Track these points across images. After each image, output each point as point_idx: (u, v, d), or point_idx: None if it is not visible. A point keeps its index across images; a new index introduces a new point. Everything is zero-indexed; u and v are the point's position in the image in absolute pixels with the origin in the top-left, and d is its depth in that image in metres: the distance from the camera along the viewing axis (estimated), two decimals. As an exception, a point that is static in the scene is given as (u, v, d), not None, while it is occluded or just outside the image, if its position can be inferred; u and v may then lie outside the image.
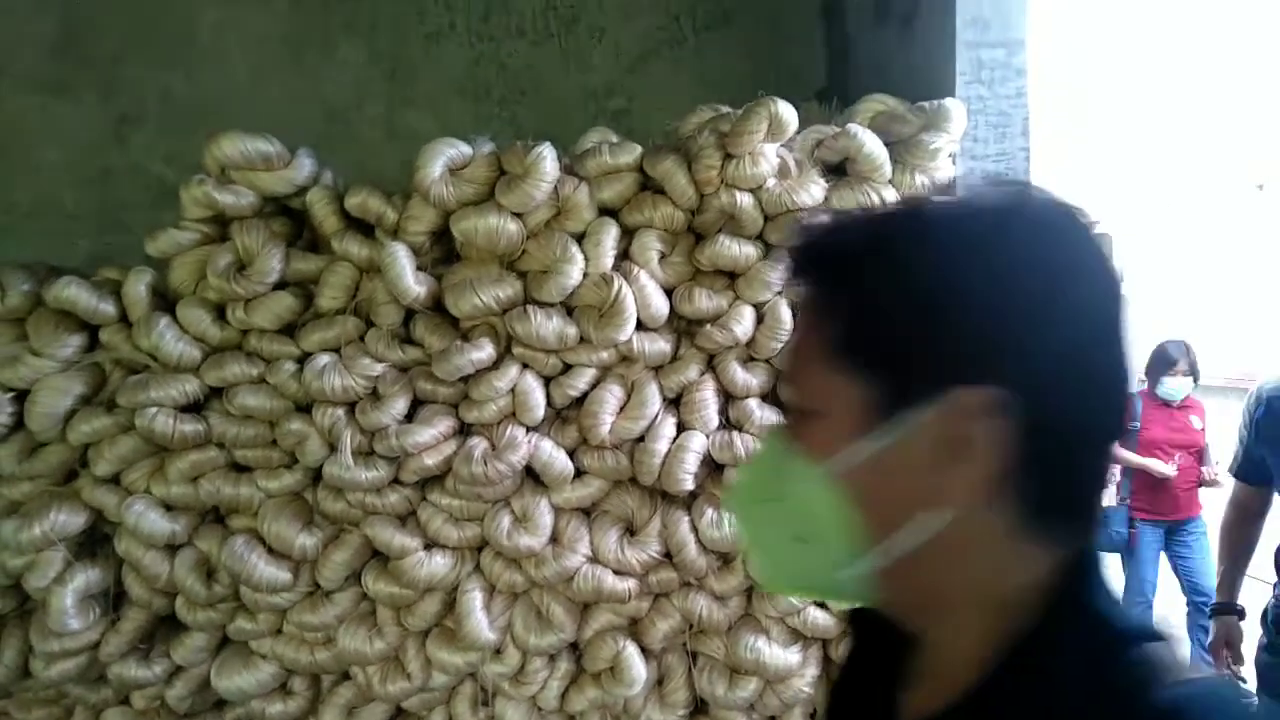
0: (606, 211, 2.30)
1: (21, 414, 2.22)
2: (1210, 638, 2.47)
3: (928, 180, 2.30)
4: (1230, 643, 2.40)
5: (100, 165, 3.41)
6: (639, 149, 2.29)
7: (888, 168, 2.27)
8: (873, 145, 2.25)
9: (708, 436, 2.26)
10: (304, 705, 2.36)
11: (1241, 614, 2.41)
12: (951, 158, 2.36)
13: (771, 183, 2.25)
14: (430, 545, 2.26)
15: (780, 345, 2.25)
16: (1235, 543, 2.44)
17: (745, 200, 2.23)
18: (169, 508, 2.25)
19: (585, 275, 2.21)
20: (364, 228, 2.34)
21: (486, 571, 2.27)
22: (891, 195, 2.27)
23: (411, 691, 2.29)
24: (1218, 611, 2.45)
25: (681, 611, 2.27)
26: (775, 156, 2.25)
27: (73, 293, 2.22)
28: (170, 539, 2.24)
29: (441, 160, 2.21)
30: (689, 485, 2.22)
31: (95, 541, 2.29)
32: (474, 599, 2.24)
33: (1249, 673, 2.50)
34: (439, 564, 2.24)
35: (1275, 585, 2.23)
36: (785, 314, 2.24)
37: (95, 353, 2.30)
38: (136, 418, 2.19)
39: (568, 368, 2.28)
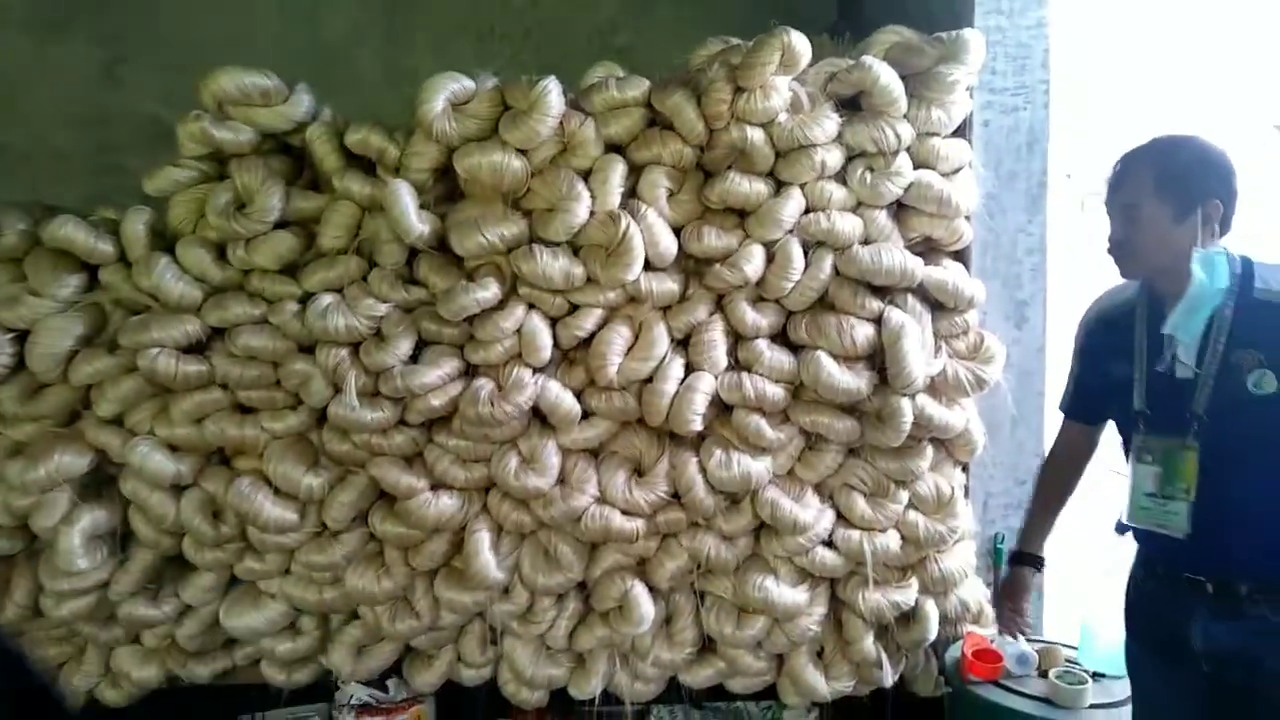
0: (613, 148, 2.25)
1: (22, 355, 2.19)
2: (1004, 587, 2.15)
3: (944, 115, 2.24)
4: (1015, 594, 2.09)
5: (94, 106, 3.34)
6: (646, 83, 2.23)
7: (903, 102, 2.21)
8: (888, 78, 2.18)
9: (716, 377, 2.23)
10: (313, 643, 2.37)
11: (1039, 565, 2.08)
12: (969, 91, 2.30)
13: (783, 117, 2.19)
14: (437, 486, 2.25)
15: (791, 285, 2.21)
16: (1053, 486, 2.06)
17: (756, 135, 2.18)
18: (173, 449, 2.24)
19: (592, 213, 2.17)
20: (365, 165, 2.29)
21: (494, 512, 2.26)
22: (907, 130, 2.21)
23: (420, 630, 2.30)
24: (1016, 560, 2.10)
25: (689, 551, 2.27)
26: (787, 90, 2.19)
27: (70, 231, 2.19)
28: (176, 480, 2.23)
29: (444, 94, 2.16)
30: (697, 426, 2.20)
31: (100, 483, 2.29)
32: (482, 539, 2.24)
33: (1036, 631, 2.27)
34: (446, 504, 2.23)
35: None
36: (796, 253, 2.20)
37: (95, 293, 2.27)
38: (139, 358, 2.16)
39: (574, 308, 2.25)
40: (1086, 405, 1.99)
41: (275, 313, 2.20)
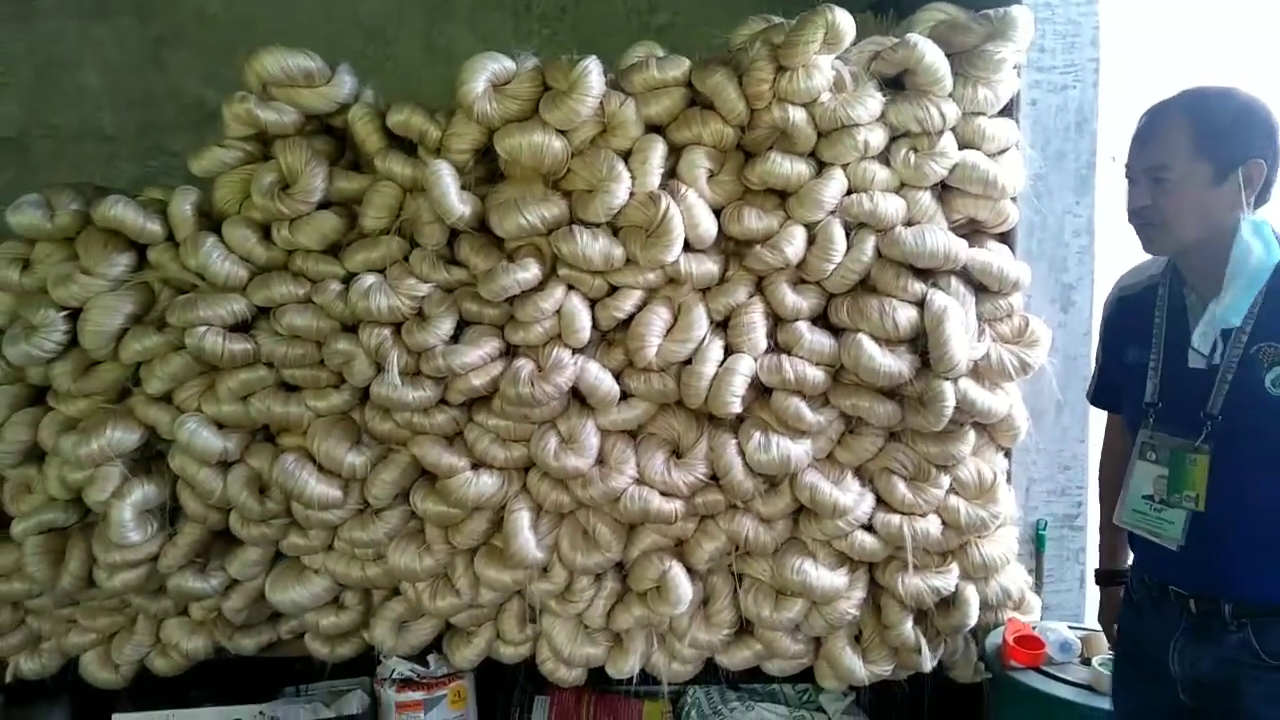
0: (653, 128, 2.24)
1: (75, 333, 2.24)
2: (1100, 611, 1.95)
3: (991, 94, 2.20)
4: (1112, 616, 1.87)
5: (140, 88, 3.38)
6: (687, 62, 2.21)
7: (949, 80, 2.17)
8: (934, 56, 2.15)
9: (755, 359, 2.22)
10: (356, 618, 2.41)
11: (1118, 577, 1.87)
12: (1016, 69, 2.26)
13: (826, 97, 2.16)
14: (477, 465, 2.27)
15: (832, 266, 2.19)
16: (1114, 488, 1.77)
17: (798, 115, 2.15)
18: (220, 425, 2.28)
19: (632, 194, 2.16)
20: (406, 146, 2.30)
21: (533, 491, 2.28)
22: (952, 110, 2.18)
23: (460, 607, 2.33)
24: (1102, 580, 1.91)
25: (727, 533, 2.27)
26: (830, 69, 2.16)
27: (120, 211, 2.22)
28: (222, 456, 2.27)
29: (485, 75, 2.16)
30: (736, 408, 2.20)
31: (150, 458, 2.34)
32: (521, 518, 2.26)
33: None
34: (486, 483, 2.25)
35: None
36: (838, 234, 2.18)
37: (144, 272, 2.31)
38: (186, 336, 2.20)
39: (614, 289, 2.25)
40: (1114, 394, 1.81)
41: (319, 292, 2.23)
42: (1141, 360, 1.59)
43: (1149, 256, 1.65)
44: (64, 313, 2.24)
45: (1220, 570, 1.48)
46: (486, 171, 2.30)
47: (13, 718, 2.56)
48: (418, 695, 2.43)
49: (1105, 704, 1.97)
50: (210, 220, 2.31)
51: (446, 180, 2.14)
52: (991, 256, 2.24)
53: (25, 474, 2.33)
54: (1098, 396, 1.92)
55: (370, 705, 2.44)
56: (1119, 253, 2.36)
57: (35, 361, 2.25)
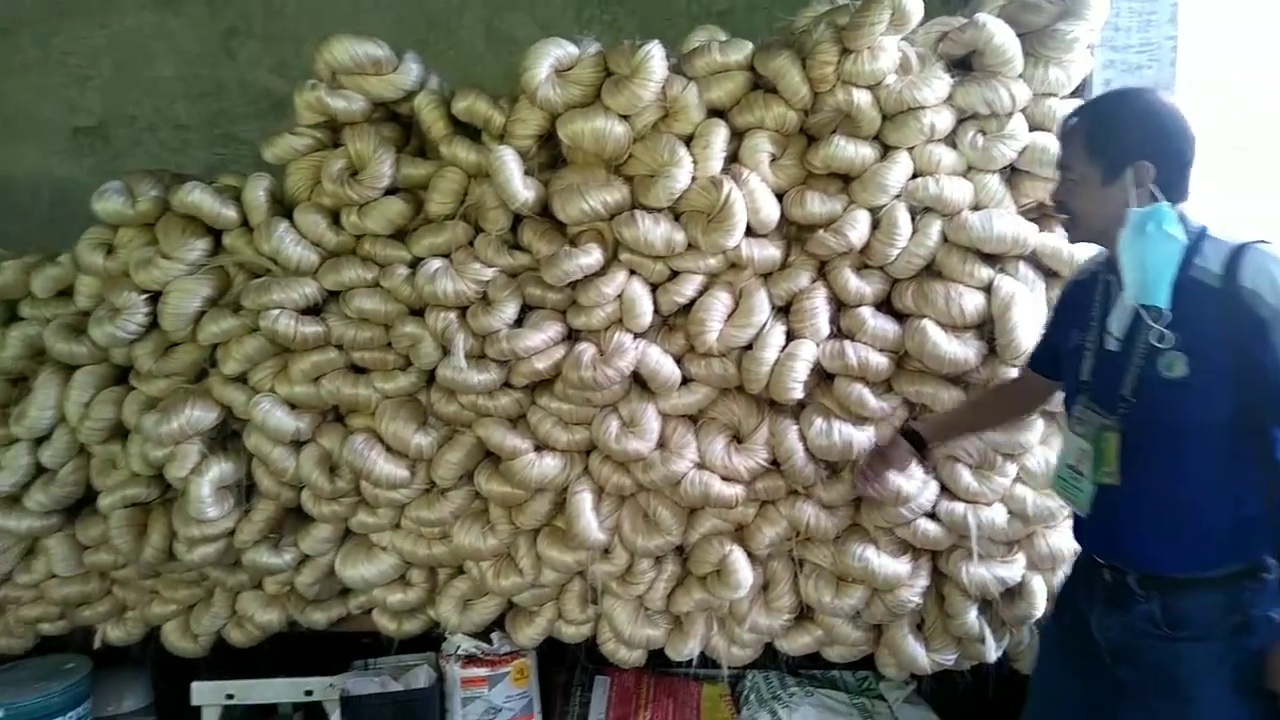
0: (715, 113, 2.24)
1: (155, 315, 2.32)
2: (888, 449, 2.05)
3: (1063, 74, 2.15)
4: (882, 455, 2.01)
5: (211, 78, 3.48)
6: (750, 46, 2.20)
7: (1019, 61, 2.13)
8: (1003, 36, 2.11)
9: (818, 345, 2.22)
10: (422, 595, 2.47)
11: (920, 447, 1.97)
12: (1090, 49, 2.20)
13: (891, 79, 2.14)
14: (540, 447, 2.31)
15: (897, 251, 2.17)
16: (981, 402, 1.99)
17: (863, 98, 2.13)
18: (293, 406, 2.35)
19: (693, 179, 2.17)
20: (471, 132, 2.33)
21: (595, 474, 2.31)
22: (1022, 91, 2.13)
23: (523, 587, 2.37)
24: (903, 431, 2.03)
25: (788, 519, 2.27)
26: (896, 51, 2.14)
27: (197, 197, 2.30)
28: (295, 436, 2.35)
29: (548, 61, 2.18)
30: (798, 394, 2.19)
31: (226, 437, 2.42)
32: (584, 500, 2.29)
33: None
34: (549, 465, 2.28)
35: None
36: (902, 219, 2.16)
37: (219, 256, 2.38)
38: (260, 319, 2.27)
39: (675, 274, 2.26)
40: (1044, 362, 1.90)
41: (386, 277, 2.28)
42: (1080, 341, 1.67)
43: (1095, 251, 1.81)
44: (145, 296, 2.33)
45: (1122, 542, 1.57)
46: (549, 157, 2.33)
47: (100, 682, 2.68)
48: (482, 672, 2.48)
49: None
50: (282, 206, 2.37)
51: (510, 166, 2.17)
52: (1062, 241, 2.19)
53: (110, 450, 2.43)
54: (1034, 358, 1.97)
55: (436, 680, 2.50)
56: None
57: (119, 343, 2.34)
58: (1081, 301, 1.71)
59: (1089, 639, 1.64)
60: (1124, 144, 1.52)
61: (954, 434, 2.04)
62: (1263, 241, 1.48)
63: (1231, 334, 1.42)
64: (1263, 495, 1.46)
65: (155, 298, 2.33)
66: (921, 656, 2.30)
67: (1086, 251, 2.16)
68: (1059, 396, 1.91)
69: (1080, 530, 1.72)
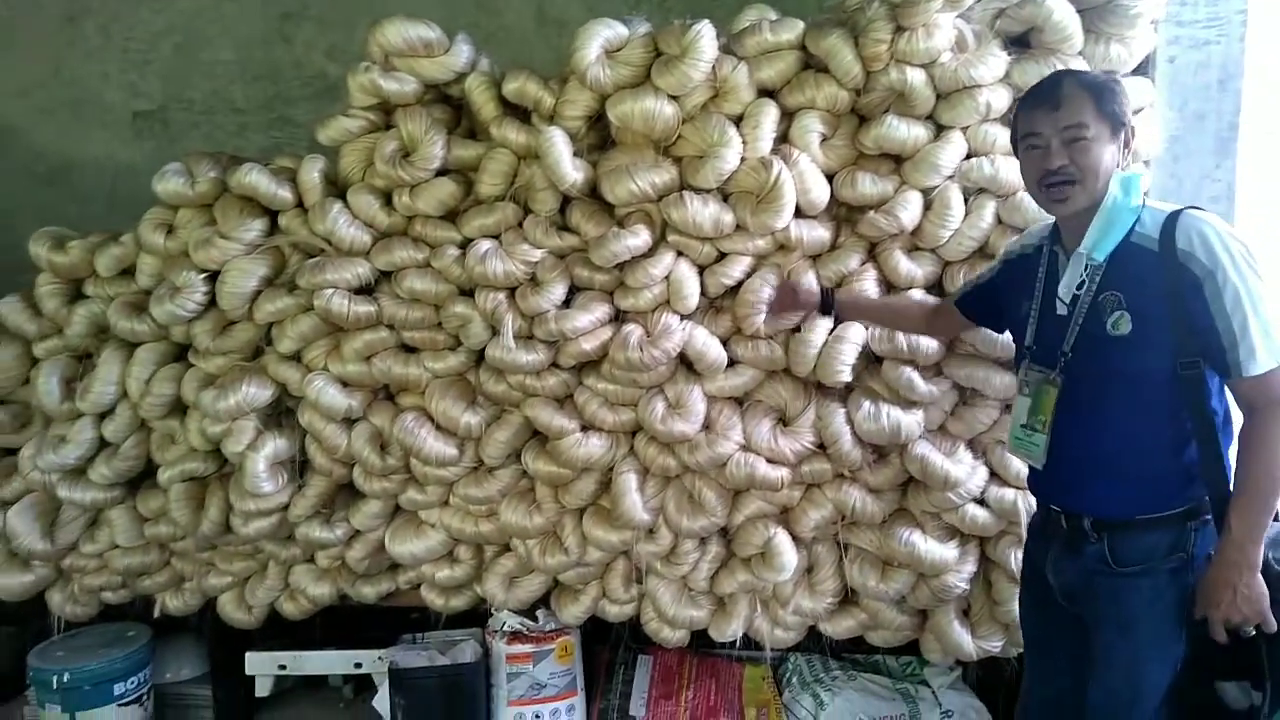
0: (766, 92, 2.22)
1: (213, 294, 2.38)
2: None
3: (1125, 51, 2.09)
4: (792, 290, 2.11)
5: (267, 61, 3.53)
6: (801, 25, 2.18)
7: (1079, 37, 2.08)
8: (1062, 12, 2.06)
9: (866, 328, 2.20)
10: (469, 572, 2.51)
11: (827, 303, 2.09)
12: (1153, 24, 2.14)
13: (946, 57, 2.10)
14: (587, 427, 2.32)
15: (949, 233, 2.14)
16: (898, 302, 2.11)
17: (917, 77, 2.10)
18: (345, 384, 2.39)
19: (743, 159, 2.15)
20: (521, 114, 2.34)
21: (641, 455, 2.32)
22: (1082, 68, 2.08)
23: (568, 565, 2.40)
24: (824, 290, 2.12)
25: (834, 502, 2.26)
26: (951, 28, 2.10)
27: (255, 178, 2.34)
28: (347, 413, 2.39)
29: (598, 41, 2.17)
30: (846, 377, 2.18)
31: (281, 413, 2.47)
32: (629, 480, 2.30)
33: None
34: (595, 445, 2.30)
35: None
36: (955, 200, 2.12)
37: (275, 236, 2.43)
38: (315, 298, 2.31)
39: (723, 255, 2.25)
40: (970, 303, 1.97)
41: (437, 257, 2.30)
42: (1026, 310, 1.76)
43: (1035, 226, 1.88)
44: (204, 275, 2.38)
45: (1076, 488, 1.67)
46: (598, 138, 2.33)
47: (158, 651, 2.77)
48: (527, 648, 2.51)
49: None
50: (336, 187, 2.41)
51: (560, 147, 2.18)
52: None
53: (170, 425, 2.50)
54: (961, 299, 2.01)
55: (482, 655, 2.54)
56: (1261, 218, 2.24)
57: (178, 320, 2.40)
58: (1027, 273, 1.78)
59: (1046, 580, 1.77)
60: (1122, 105, 1.60)
61: (864, 319, 2.14)
62: (1195, 207, 1.58)
63: (1170, 292, 1.52)
64: (1200, 442, 1.56)
65: (214, 277, 2.38)
66: (968, 643, 2.28)
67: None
68: (979, 336, 2.10)
69: (1037, 483, 1.80)
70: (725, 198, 2.22)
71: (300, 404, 2.42)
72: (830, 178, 2.21)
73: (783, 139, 2.21)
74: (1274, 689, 1.53)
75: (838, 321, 2.17)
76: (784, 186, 2.11)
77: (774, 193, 2.11)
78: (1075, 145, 1.56)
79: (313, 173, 2.37)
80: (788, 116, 2.21)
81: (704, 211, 2.16)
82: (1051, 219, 1.76)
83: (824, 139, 2.22)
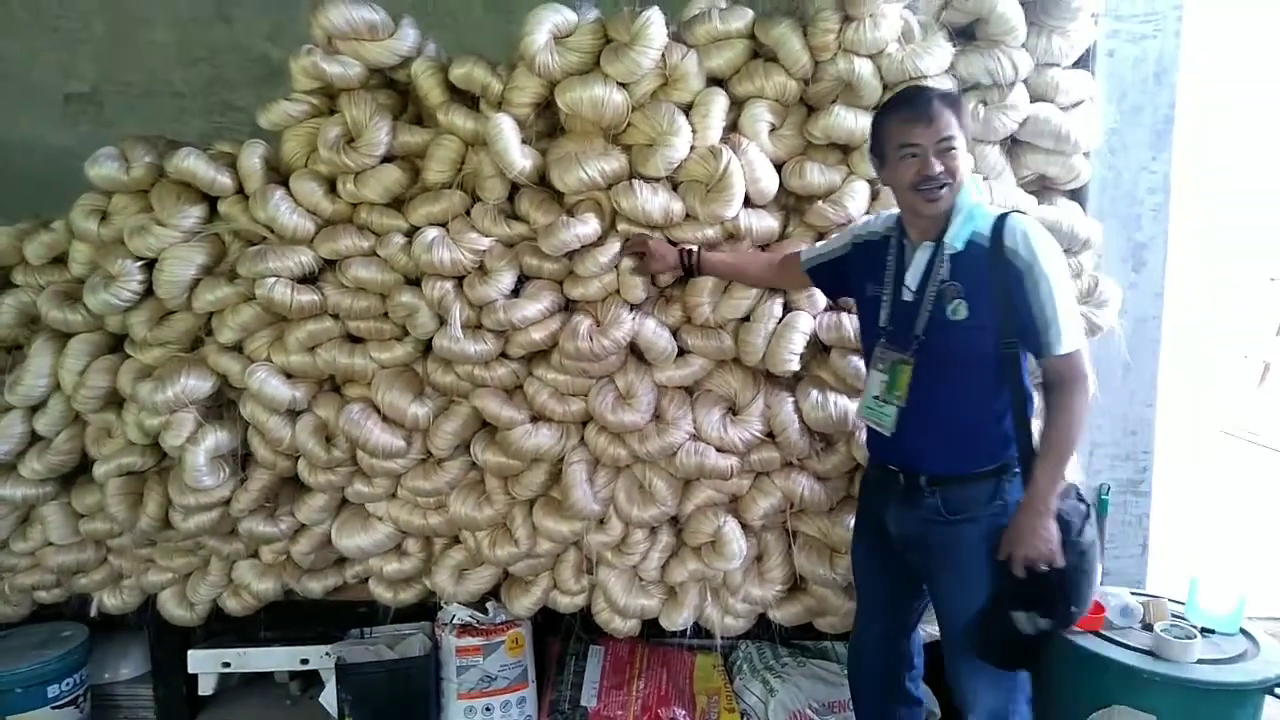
0: (715, 81, 2.22)
1: (150, 283, 2.31)
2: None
3: (1065, 44, 2.13)
4: (657, 245, 2.17)
5: (206, 44, 3.44)
6: (750, 13, 2.18)
7: (1022, 30, 2.11)
8: (1006, 5, 2.09)
9: (815, 317, 2.21)
10: (418, 565, 2.48)
11: (687, 261, 2.16)
12: (1093, 18, 2.18)
13: (893, 48, 2.12)
14: (536, 418, 2.31)
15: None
16: (751, 262, 2.16)
17: (864, 67, 2.12)
18: (289, 375, 2.34)
19: (692, 148, 2.15)
20: (468, 100, 2.31)
21: (591, 445, 2.31)
22: (1024, 60, 2.11)
23: (519, 557, 2.38)
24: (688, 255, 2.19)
25: (783, 490, 2.28)
26: (898, 19, 2.12)
27: (192, 164, 2.28)
28: (291, 405, 2.34)
29: (547, 27, 2.15)
30: (794, 366, 2.19)
31: (222, 405, 2.41)
32: (579, 471, 2.29)
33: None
34: (545, 436, 2.28)
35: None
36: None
37: (215, 224, 2.36)
38: (256, 287, 2.26)
39: (673, 245, 2.24)
40: (820, 273, 2.08)
41: (383, 245, 2.26)
42: (876, 294, 1.92)
43: (879, 214, 2.04)
44: (140, 263, 2.31)
45: (918, 451, 1.88)
46: (547, 125, 2.30)
47: (96, 650, 2.70)
48: (476, 641, 2.49)
49: (1165, 668, 1.95)
50: (278, 173, 2.35)
51: (508, 134, 2.15)
52: (1061, 214, 2.19)
53: (105, 419, 2.43)
54: (808, 262, 2.10)
55: (431, 649, 2.51)
56: (1195, 210, 2.29)
57: (113, 310, 2.33)
58: (875, 259, 1.95)
59: (885, 533, 1.98)
60: (968, 118, 1.85)
61: (720, 275, 2.21)
62: (1019, 211, 1.87)
63: (998, 283, 1.75)
64: (1014, 410, 1.81)
65: (150, 265, 2.31)
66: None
67: (1090, 226, 2.18)
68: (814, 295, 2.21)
69: (878, 447, 1.98)
70: (675, 186, 2.21)
71: (242, 396, 2.36)
72: (779, 167, 2.22)
73: (732, 128, 2.21)
74: (1060, 614, 1.84)
75: (690, 275, 2.20)
76: (733, 175, 2.11)
77: (723, 182, 2.12)
78: (947, 154, 1.76)
79: (253, 158, 2.31)
80: (737, 105, 2.21)
81: (653, 200, 2.16)
82: (894, 211, 1.95)
83: (773, 128, 2.22)
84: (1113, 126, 2.27)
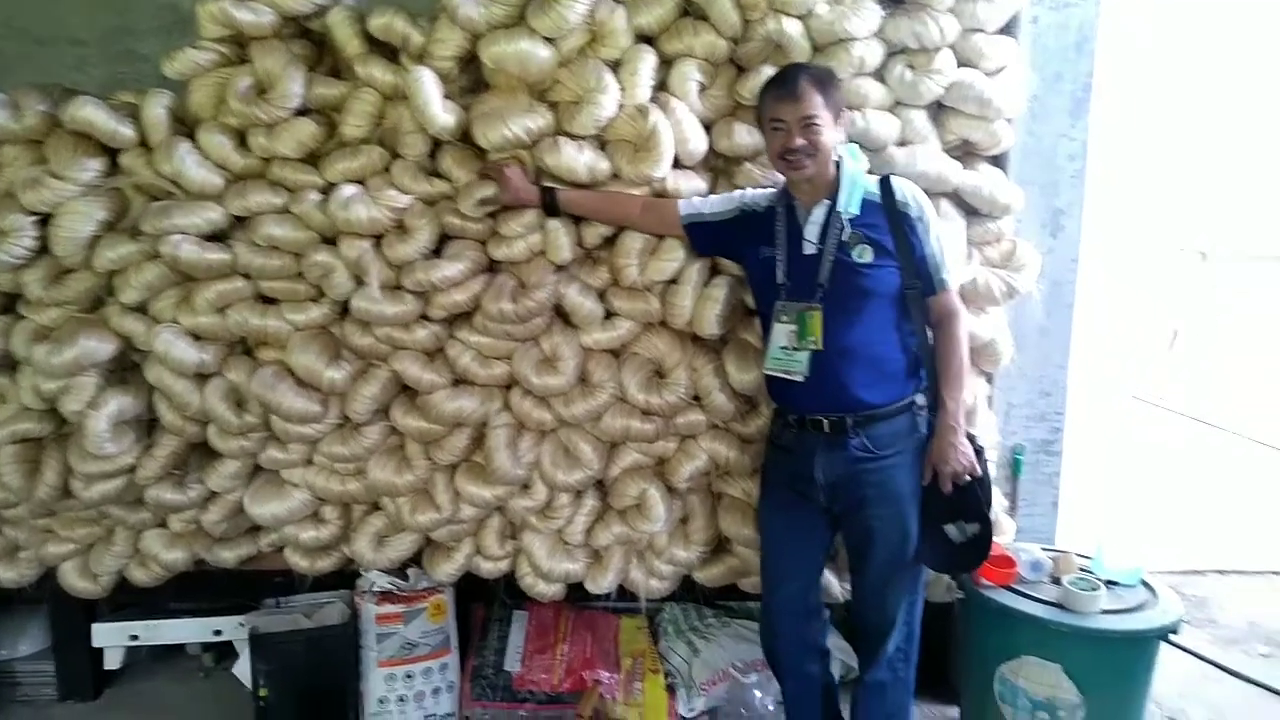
0: (644, 39, 2.18)
1: (46, 239, 2.18)
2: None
3: (992, 9, 2.14)
4: (512, 193, 2.13)
5: (110, -11, 3.25)
6: (681, -30, 2.14)
7: (949, -7, 2.11)
8: (933, -31, 2.09)
9: (741, 282, 2.20)
10: (336, 532, 2.41)
11: (549, 200, 2.14)
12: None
13: (822, 9, 2.12)
14: (459, 381, 2.26)
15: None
16: (620, 201, 2.16)
17: (793, 28, 2.11)
18: (197, 337, 2.24)
19: (620, 107, 2.11)
20: (388, 52, 2.22)
21: (515, 409, 2.27)
22: (951, 25, 2.12)
23: (440, 522, 2.33)
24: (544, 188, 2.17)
25: (709, 453, 2.28)
26: (827, -21, 2.10)
27: (90, 113, 2.15)
28: (200, 368, 2.24)
29: (471, -22, 2.08)
30: (719, 329, 2.18)
31: (126, 369, 2.30)
32: (502, 435, 2.25)
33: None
34: (467, 400, 2.24)
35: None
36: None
37: (116, 177, 2.24)
38: (161, 245, 2.15)
39: (600, 205, 2.21)
40: (698, 232, 2.13)
41: (297, 202, 2.18)
42: (770, 255, 2.03)
43: (761, 190, 2.12)
44: (34, 218, 2.18)
45: (838, 393, 1.97)
46: (471, 81, 2.24)
47: (-7, 625, 2.58)
48: (397, 608, 2.45)
49: (1071, 620, 2.02)
50: (185, 126, 2.24)
51: (429, 88, 2.08)
52: (984, 180, 2.22)
53: (-1, 383, 2.29)
54: (692, 226, 2.15)
55: (350, 617, 2.46)
56: (1113, 178, 2.35)
57: (4, 267, 2.19)
58: (764, 226, 2.06)
59: (797, 489, 2.06)
60: (840, 96, 1.99)
61: (582, 214, 2.21)
62: (892, 174, 2.03)
63: (894, 230, 1.94)
64: (918, 342, 1.99)
65: (46, 220, 2.18)
66: (835, 586, 2.36)
67: (1011, 192, 2.21)
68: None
69: (794, 400, 2.03)
70: (602, 146, 2.17)
71: (147, 359, 2.25)
72: (708, 128, 2.20)
73: (661, 87, 2.18)
74: (985, 518, 1.99)
75: (552, 214, 2.17)
76: (662, 135, 2.08)
77: (652, 141, 2.09)
78: (809, 129, 1.90)
79: (157, 108, 2.19)
80: (666, 64, 2.18)
81: (579, 159, 2.12)
82: (770, 188, 2.09)
83: (702, 88, 2.20)
84: (1034, 93, 2.30)
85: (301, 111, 2.19)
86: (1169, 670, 2.78)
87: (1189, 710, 2.71)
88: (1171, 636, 2.06)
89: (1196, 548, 3.99)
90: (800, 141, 1.90)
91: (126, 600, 2.57)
